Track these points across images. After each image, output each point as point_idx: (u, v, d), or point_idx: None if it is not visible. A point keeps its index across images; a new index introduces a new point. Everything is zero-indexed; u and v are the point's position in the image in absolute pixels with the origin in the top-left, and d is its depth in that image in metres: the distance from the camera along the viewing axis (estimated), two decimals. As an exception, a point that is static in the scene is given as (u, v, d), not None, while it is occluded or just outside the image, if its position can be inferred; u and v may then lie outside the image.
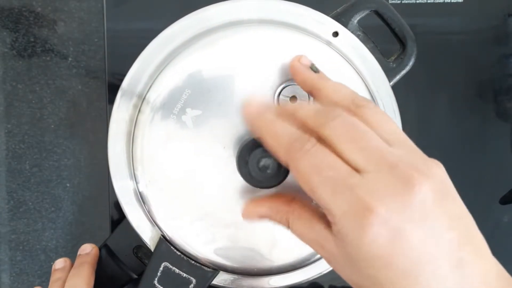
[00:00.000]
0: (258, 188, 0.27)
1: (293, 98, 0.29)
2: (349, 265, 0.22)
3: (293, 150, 0.22)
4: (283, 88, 0.29)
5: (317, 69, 0.28)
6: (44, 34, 0.46)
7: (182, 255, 0.30)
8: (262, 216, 0.27)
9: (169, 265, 0.31)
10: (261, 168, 0.26)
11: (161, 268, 0.31)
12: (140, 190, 0.30)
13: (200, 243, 0.30)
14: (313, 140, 0.22)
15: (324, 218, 0.24)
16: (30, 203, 0.47)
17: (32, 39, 0.46)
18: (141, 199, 0.30)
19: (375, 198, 0.21)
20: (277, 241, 0.30)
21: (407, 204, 0.21)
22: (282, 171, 0.26)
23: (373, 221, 0.20)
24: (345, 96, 0.25)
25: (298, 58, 0.28)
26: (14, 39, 0.46)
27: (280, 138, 0.23)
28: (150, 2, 0.43)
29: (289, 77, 0.29)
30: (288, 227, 0.26)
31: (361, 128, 0.22)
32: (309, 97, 0.29)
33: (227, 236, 0.30)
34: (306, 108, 0.24)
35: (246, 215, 0.28)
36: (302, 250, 0.31)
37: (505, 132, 0.45)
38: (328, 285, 0.44)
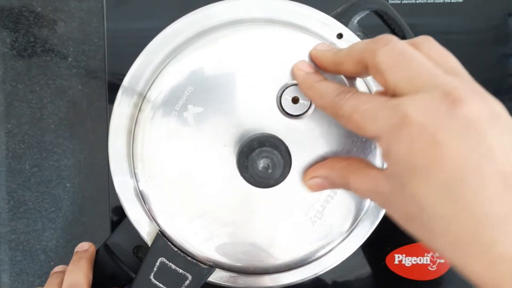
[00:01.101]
0: (258, 188, 0.27)
1: (295, 98, 0.29)
2: (397, 194, 0.22)
3: (337, 101, 0.25)
4: (286, 88, 0.29)
5: None
6: (44, 34, 0.46)
7: (179, 251, 0.30)
8: (322, 178, 0.28)
9: (165, 260, 0.31)
10: (262, 168, 0.26)
11: (157, 264, 0.31)
12: (140, 188, 0.30)
13: (198, 240, 0.30)
14: (353, 90, 0.25)
15: (376, 167, 0.25)
16: (30, 203, 0.47)
17: (32, 39, 0.46)
18: (141, 195, 0.30)
19: (412, 110, 0.20)
20: (275, 240, 0.30)
21: (450, 114, 0.20)
22: (282, 171, 0.26)
23: (409, 129, 0.20)
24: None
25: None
26: (14, 39, 0.46)
27: (325, 95, 0.26)
28: (150, 2, 0.43)
29: (292, 77, 0.29)
30: (347, 183, 0.26)
31: (410, 53, 0.22)
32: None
33: (225, 234, 0.30)
34: (361, 42, 0.25)
35: (307, 180, 0.29)
36: (300, 250, 0.31)
37: (505, 132, 0.45)
38: (332, 281, 0.44)
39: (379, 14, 0.31)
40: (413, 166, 0.20)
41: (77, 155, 0.47)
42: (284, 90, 0.28)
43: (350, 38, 0.30)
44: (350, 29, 0.31)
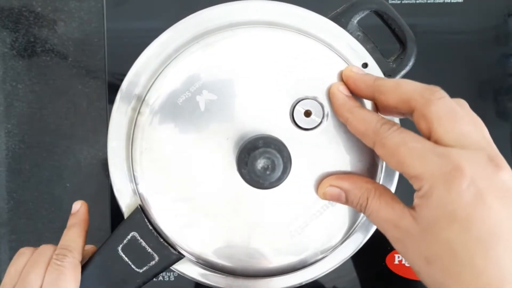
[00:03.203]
0: (252, 186, 0.27)
1: (308, 112, 0.28)
2: (423, 236, 0.23)
3: (382, 130, 0.25)
4: (301, 100, 0.28)
5: None
6: (44, 34, 0.46)
7: (153, 230, 0.30)
8: (341, 190, 0.28)
9: (137, 235, 0.30)
10: (261, 168, 0.26)
11: (128, 237, 0.30)
12: (139, 190, 0.30)
13: (176, 224, 0.29)
14: (398, 125, 0.25)
15: (401, 202, 0.25)
16: (30, 203, 0.47)
17: (32, 39, 0.46)
18: (131, 163, 0.30)
19: (464, 163, 0.22)
20: (252, 244, 0.30)
21: (494, 177, 0.22)
22: (280, 175, 0.26)
23: (460, 179, 0.22)
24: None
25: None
26: (14, 39, 0.46)
27: (368, 122, 0.26)
28: (150, 2, 0.43)
29: (304, 92, 0.28)
30: (365, 205, 0.26)
31: (460, 112, 0.24)
32: (323, 113, 0.28)
33: (205, 226, 0.29)
34: (411, 84, 0.26)
35: (325, 187, 0.28)
36: (279, 259, 0.30)
37: (505, 132, 0.45)
38: (332, 286, 0.44)
39: (379, 14, 0.31)
40: (455, 214, 0.22)
41: (77, 155, 0.47)
42: (298, 102, 0.28)
43: (348, 38, 0.30)
44: (350, 29, 0.31)
